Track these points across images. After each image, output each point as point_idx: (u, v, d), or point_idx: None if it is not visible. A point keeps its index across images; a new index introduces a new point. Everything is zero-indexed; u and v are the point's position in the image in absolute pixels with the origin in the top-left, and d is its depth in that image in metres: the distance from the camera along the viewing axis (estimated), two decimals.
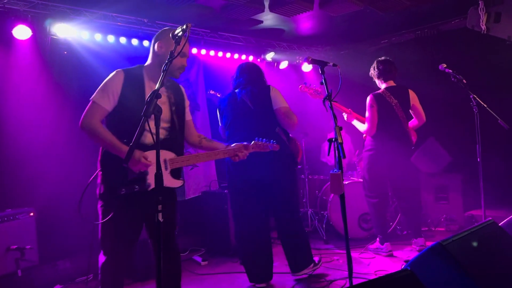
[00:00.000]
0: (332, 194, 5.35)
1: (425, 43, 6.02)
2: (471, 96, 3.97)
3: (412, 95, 4.66)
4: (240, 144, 2.97)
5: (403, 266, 3.32)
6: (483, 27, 4.66)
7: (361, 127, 4.69)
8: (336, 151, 2.62)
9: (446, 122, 4.89)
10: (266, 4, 4.87)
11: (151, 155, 2.52)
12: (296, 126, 3.75)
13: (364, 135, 4.76)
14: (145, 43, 5.16)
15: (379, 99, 4.54)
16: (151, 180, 2.54)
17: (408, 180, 4.63)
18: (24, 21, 4.21)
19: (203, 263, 4.73)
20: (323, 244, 5.21)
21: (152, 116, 2.01)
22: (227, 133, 3.89)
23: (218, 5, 4.85)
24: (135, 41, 5.09)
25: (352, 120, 4.75)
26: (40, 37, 4.43)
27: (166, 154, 2.63)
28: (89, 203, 2.64)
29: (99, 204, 2.62)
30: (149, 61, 2.73)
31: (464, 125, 4.75)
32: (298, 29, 6.08)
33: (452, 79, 4.08)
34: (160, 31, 2.73)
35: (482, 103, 3.95)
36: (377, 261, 4.41)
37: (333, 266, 4.31)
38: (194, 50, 5.68)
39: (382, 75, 4.63)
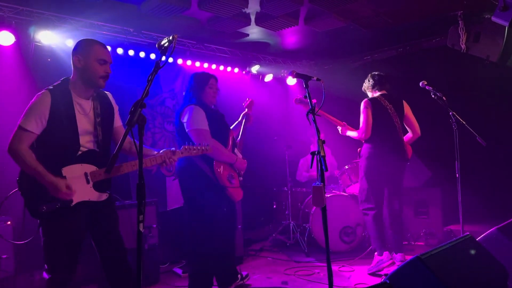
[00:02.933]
0: (314, 207, 5.37)
1: (407, 60, 6.15)
2: (450, 113, 4.06)
3: (406, 105, 4.64)
4: (167, 150, 2.78)
5: (382, 279, 3.35)
6: (463, 46, 4.80)
7: (355, 134, 4.55)
8: (319, 164, 2.65)
9: (426, 137, 4.98)
10: (252, 18, 4.93)
11: (70, 169, 2.50)
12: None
13: (358, 150, 4.67)
14: (131, 52, 5.17)
15: (374, 102, 4.49)
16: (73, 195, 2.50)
17: (400, 189, 4.56)
18: (8, 27, 4.17)
19: (183, 275, 4.67)
20: (304, 257, 5.21)
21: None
22: None
23: (204, 17, 4.89)
24: (120, 50, 5.08)
25: (346, 132, 4.65)
26: (23, 44, 4.39)
27: (86, 168, 2.56)
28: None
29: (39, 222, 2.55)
30: (72, 76, 2.62)
31: (443, 141, 4.83)
32: (283, 43, 6.15)
33: (432, 96, 4.16)
34: (76, 43, 2.60)
35: (461, 120, 4.04)
36: (357, 275, 4.43)
37: (314, 279, 4.31)
38: (180, 61, 5.69)
39: (376, 84, 4.59)
